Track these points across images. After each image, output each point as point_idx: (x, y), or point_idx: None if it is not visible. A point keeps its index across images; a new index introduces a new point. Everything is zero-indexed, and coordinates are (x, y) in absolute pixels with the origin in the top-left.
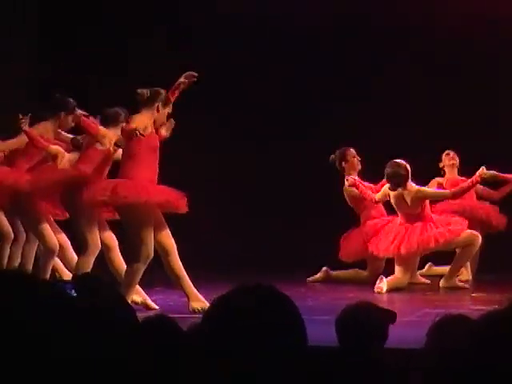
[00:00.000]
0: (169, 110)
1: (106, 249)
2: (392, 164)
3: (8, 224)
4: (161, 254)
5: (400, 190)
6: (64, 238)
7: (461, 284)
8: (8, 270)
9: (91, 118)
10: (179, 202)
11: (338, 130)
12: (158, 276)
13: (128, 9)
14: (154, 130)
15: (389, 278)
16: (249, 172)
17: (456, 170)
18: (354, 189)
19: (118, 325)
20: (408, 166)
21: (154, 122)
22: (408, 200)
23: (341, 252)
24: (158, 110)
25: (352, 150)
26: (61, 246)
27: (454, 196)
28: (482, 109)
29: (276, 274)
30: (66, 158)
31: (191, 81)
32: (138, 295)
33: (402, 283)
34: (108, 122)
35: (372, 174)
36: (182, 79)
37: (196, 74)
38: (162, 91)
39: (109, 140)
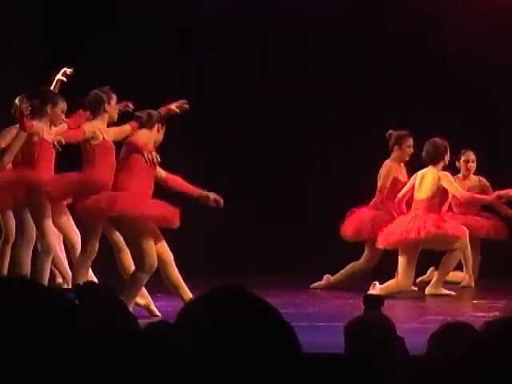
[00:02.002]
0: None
1: (116, 250)
2: (431, 142)
3: (11, 225)
4: (158, 264)
5: (430, 167)
6: (78, 240)
7: (446, 291)
8: (9, 277)
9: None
10: (173, 216)
11: (341, 131)
12: (160, 282)
13: (135, 14)
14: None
15: (390, 281)
16: (250, 175)
17: (473, 171)
18: (393, 172)
19: (118, 333)
20: (447, 144)
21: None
22: (431, 181)
23: (343, 228)
24: (158, 131)
25: (411, 140)
26: (73, 246)
27: (464, 199)
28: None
29: (276, 279)
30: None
31: (183, 110)
32: (142, 298)
33: (402, 286)
34: (92, 110)
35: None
36: (173, 108)
37: (187, 104)
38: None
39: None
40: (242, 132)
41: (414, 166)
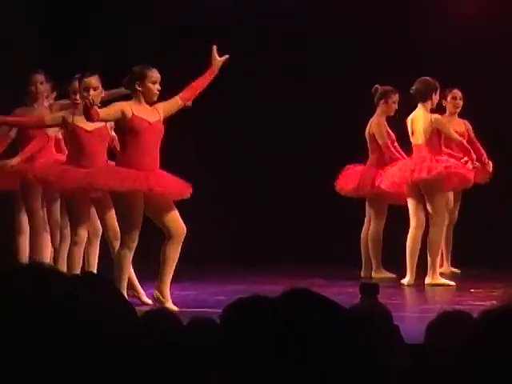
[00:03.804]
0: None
1: (109, 238)
2: (421, 79)
3: (26, 218)
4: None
5: (419, 107)
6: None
7: (445, 281)
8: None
9: None
10: (171, 188)
11: (341, 132)
12: (157, 270)
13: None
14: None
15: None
16: (250, 175)
17: (459, 109)
18: (383, 132)
19: (118, 323)
20: (437, 84)
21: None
22: (420, 123)
23: (339, 182)
24: (141, 87)
25: (397, 96)
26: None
27: (461, 148)
28: None
29: (276, 270)
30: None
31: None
32: (131, 287)
33: (420, 227)
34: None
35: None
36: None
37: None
38: (137, 69)
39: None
40: (242, 132)
41: None
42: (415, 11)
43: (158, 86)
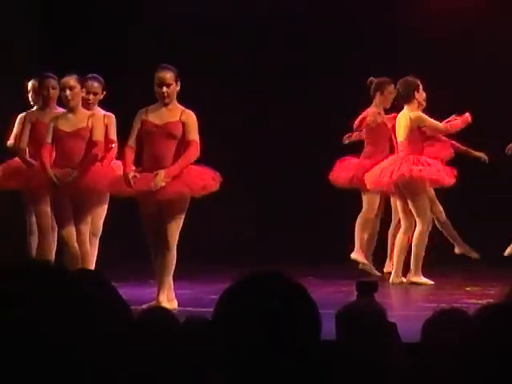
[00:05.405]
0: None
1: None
2: (402, 80)
3: (34, 218)
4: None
5: (405, 108)
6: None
7: (425, 280)
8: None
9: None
10: (177, 189)
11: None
12: (153, 269)
13: None
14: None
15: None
16: (249, 175)
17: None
18: (378, 121)
19: (119, 323)
20: (419, 82)
21: None
22: (401, 122)
23: (333, 174)
24: None
25: (393, 87)
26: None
27: (447, 132)
28: None
29: (272, 267)
30: None
31: None
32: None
33: (409, 227)
34: None
35: None
36: None
37: None
38: None
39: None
40: (242, 133)
41: None
42: (415, 11)
43: (164, 89)
